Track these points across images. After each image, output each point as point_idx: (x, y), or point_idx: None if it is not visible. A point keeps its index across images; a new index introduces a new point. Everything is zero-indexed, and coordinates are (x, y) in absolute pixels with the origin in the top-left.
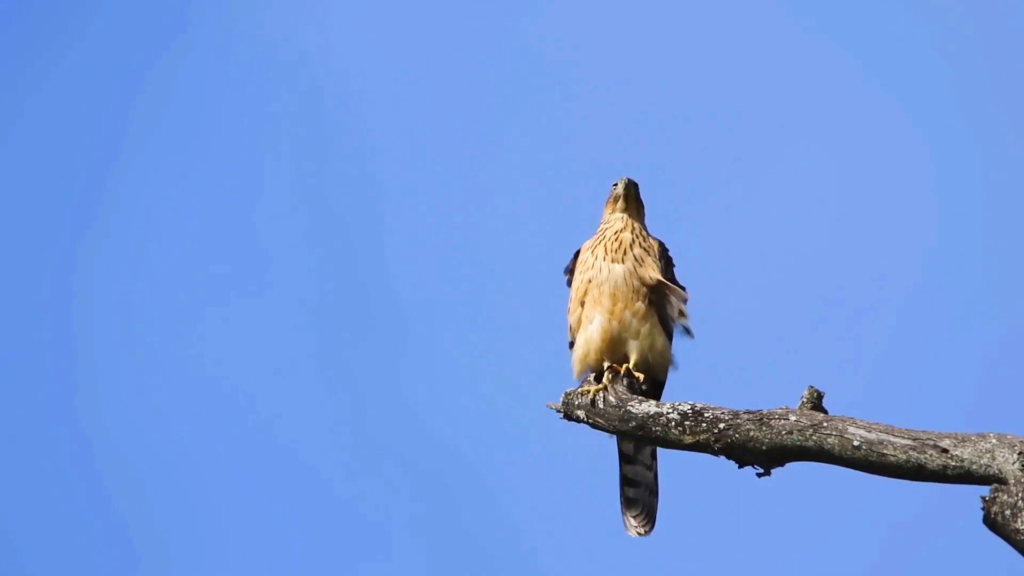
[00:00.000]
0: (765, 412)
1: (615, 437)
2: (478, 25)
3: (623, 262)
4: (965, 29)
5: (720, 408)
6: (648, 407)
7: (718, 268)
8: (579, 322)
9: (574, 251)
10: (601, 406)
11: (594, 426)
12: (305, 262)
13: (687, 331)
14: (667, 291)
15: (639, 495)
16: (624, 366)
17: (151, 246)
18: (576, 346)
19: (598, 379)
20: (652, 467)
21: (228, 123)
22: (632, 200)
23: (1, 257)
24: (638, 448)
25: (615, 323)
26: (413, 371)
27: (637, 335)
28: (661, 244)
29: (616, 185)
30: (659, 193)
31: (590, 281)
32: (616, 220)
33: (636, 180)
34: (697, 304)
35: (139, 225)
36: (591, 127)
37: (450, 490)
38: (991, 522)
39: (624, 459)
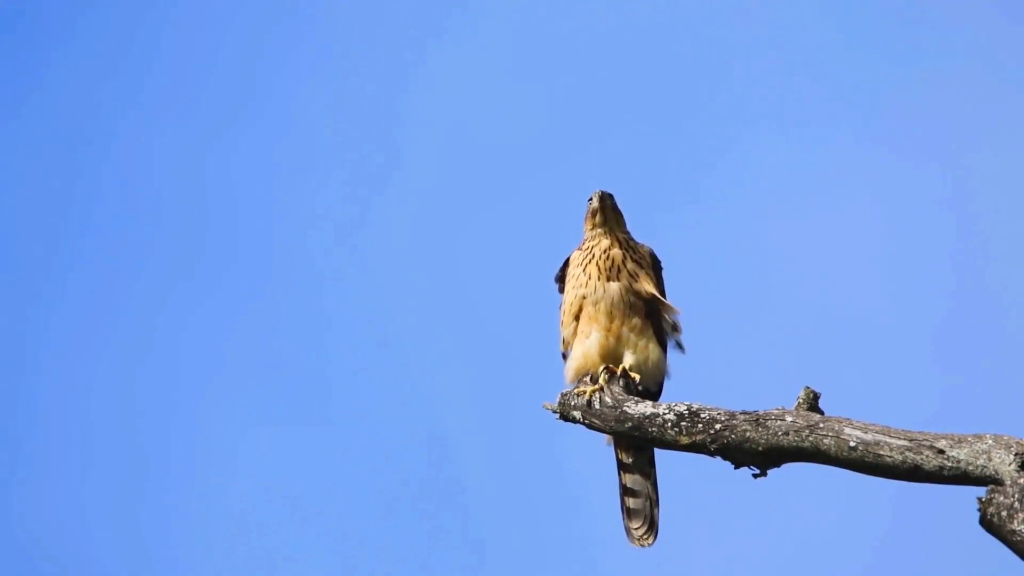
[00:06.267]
0: (761, 413)
1: (612, 447)
2: (470, 25)
3: (618, 279)
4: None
5: (716, 409)
6: (644, 408)
7: (715, 268)
8: (574, 335)
9: (564, 258)
10: (597, 407)
11: (590, 427)
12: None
13: (679, 346)
14: (660, 306)
15: (640, 505)
16: (620, 367)
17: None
18: (571, 358)
19: (594, 380)
20: (651, 475)
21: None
22: (610, 211)
23: None
24: (636, 456)
25: (612, 339)
26: (408, 372)
27: (635, 348)
28: (651, 251)
29: (591, 200)
30: (657, 193)
31: (584, 298)
32: (600, 238)
33: (610, 191)
34: (694, 304)
35: None
36: (580, 131)
37: (447, 485)
38: (987, 523)
39: (622, 468)
